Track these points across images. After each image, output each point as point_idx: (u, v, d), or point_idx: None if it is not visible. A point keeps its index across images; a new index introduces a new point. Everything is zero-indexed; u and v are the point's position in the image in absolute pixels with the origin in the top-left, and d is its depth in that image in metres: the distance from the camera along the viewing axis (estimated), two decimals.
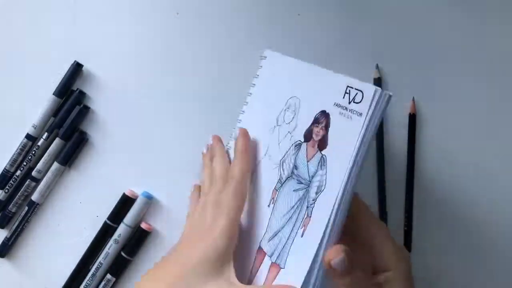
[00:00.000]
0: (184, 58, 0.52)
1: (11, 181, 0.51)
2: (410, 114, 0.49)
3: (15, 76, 0.52)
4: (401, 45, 0.50)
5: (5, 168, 0.51)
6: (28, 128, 0.51)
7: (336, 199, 0.35)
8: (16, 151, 0.51)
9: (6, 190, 0.51)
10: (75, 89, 0.51)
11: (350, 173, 0.35)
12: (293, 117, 0.41)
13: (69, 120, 0.50)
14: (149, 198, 0.50)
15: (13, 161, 0.51)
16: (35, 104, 0.51)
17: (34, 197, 0.50)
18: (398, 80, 0.50)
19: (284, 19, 0.52)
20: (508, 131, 0.49)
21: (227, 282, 0.35)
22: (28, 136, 0.51)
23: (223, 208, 0.38)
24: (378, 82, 0.49)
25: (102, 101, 0.52)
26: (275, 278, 0.37)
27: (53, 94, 0.51)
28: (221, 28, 0.52)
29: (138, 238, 0.49)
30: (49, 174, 0.50)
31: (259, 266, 0.39)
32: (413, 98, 0.49)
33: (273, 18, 0.52)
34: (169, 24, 0.52)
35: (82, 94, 0.51)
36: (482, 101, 0.49)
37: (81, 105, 0.51)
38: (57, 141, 0.50)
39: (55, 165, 0.50)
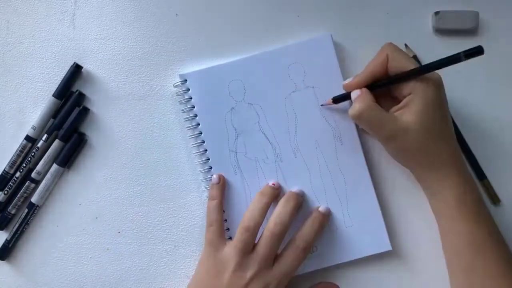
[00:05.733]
0: (184, 58, 0.52)
1: (10, 183, 0.51)
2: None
3: (15, 77, 0.52)
4: None
5: (4, 170, 0.51)
6: (28, 129, 0.51)
7: None
8: (15, 152, 0.51)
9: (6, 192, 0.51)
10: (74, 90, 0.51)
11: None
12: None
13: (69, 121, 0.50)
14: None
15: (12, 163, 0.51)
16: (35, 106, 0.51)
17: (33, 199, 0.50)
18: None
19: (282, 18, 0.52)
20: None
21: None
22: (27, 138, 0.51)
23: None
24: (415, 60, 0.50)
25: (101, 102, 0.51)
26: None
27: (53, 95, 0.51)
28: (220, 29, 0.52)
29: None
30: (48, 175, 0.50)
31: None
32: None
33: (273, 18, 0.52)
34: (169, 25, 0.52)
35: (81, 96, 0.51)
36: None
37: (81, 107, 0.51)
38: (56, 142, 0.50)
39: (55, 166, 0.50)
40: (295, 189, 0.49)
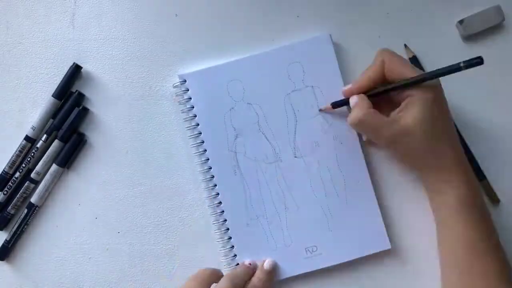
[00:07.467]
0: (183, 58, 0.52)
1: (10, 183, 0.51)
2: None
3: (14, 77, 0.52)
4: None
5: (4, 170, 0.51)
6: (27, 130, 0.51)
7: None
8: (15, 153, 0.51)
9: (5, 192, 0.51)
10: (74, 91, 0.51)
11: None
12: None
13: (68, 121, 0.50)
14: None
15: (12, 163, 0.51)
16: (34, 106, 0.51)
17: (33, 199, 0.50)
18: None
19: (282, 18, 0.52)
20: None
21: None
22: (27, 138, 0.51)
23: None
24: (414, 60, 0.50)
25: (100, 103, 0.51)
26: None
27: (52, 96, 0.51)
28: (220, 29, 0.52)
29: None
30: (48, 176, 0.50)
31: None
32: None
33: (273, 18, 0.52)
34: (169, 25, 0.52)
35: (81, 96, 0.51)
36: None
37: (80, 107, 0.51)
38: (56, 143, 0.50)
39: (54, 167, 0.50)
40: (267, 263, 0.48)
